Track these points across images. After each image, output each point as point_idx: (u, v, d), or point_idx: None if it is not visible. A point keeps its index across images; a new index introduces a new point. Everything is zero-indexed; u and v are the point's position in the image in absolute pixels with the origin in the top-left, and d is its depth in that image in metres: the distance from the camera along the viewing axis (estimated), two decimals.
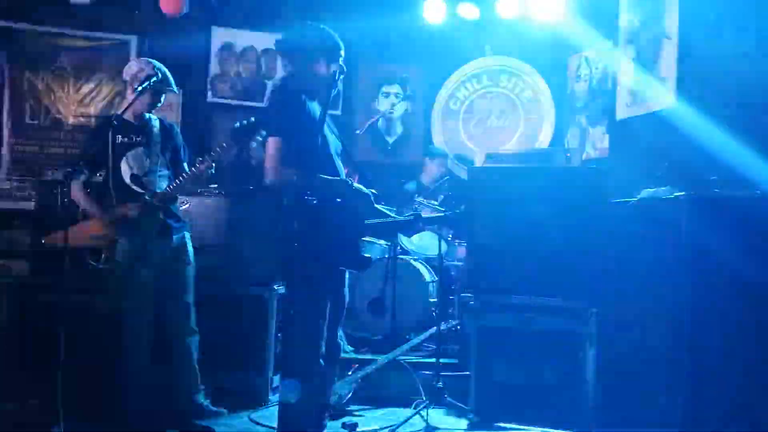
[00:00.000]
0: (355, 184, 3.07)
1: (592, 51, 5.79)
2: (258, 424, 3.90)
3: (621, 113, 4.92)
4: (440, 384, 4.02)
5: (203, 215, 4.34)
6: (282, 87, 3.27)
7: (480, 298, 3.94)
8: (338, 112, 6.18)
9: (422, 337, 4.84)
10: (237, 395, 4.23)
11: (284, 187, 2.87)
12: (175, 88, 3.83)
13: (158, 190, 3.63)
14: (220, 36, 6.36)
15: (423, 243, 5.62)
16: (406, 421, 3.83)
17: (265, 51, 6.39)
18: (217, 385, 4.17)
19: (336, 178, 3.01)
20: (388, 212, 3.27)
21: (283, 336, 3.93)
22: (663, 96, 4.35)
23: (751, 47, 3.71)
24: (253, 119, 3.24)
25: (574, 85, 6.17)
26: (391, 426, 3.77)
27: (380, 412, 4.21)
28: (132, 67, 3.72)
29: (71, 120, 6.09)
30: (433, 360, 4.22)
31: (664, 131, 4.18)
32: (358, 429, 3.75)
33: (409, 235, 5.56)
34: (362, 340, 5.19)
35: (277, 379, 4.31)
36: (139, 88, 3.53)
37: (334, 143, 3.13)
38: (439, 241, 4.45)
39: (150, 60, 3.78)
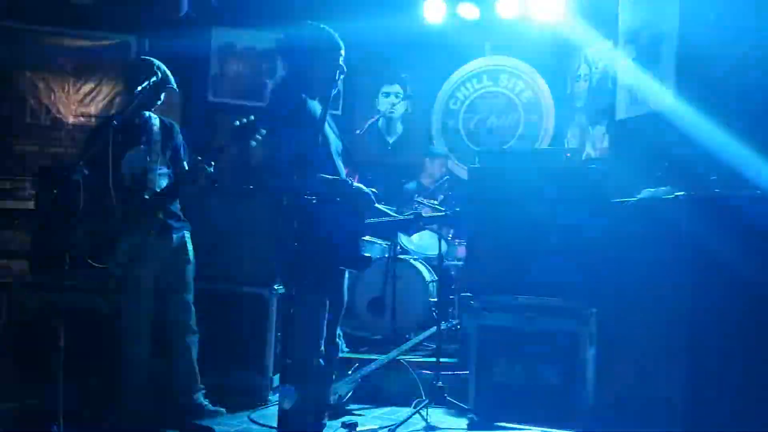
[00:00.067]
0: (356, 184, 3.07)
1: (592, 51, 5.79)
2: (258, 424, 3.90)
3: (621, 113, 4.92)
4: (440, 383, 4.02)
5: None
6: (282, 86, 3.27)
7: (480, 298, 3.94)
8: (338, 112, 6.18)
9: (422, 336, 4.85)
10: (237, 395, 4.23)
11: (284, 187, 2.88)
12: (175, 87, 3.83)
13: (158, 189, 3.64)
14: (220, 36, 6.37)
15: (423, 242, 5.62)
16: (405, 420, 3.83)
17: (265, 51, 6.39)
18: (217, 385, 4.17)
19: (336, 177, 3.01)
20: (388, 211, 3.28)
21: (282, 336, 3.93)
22: (663, 96, 4.35)
23: (751, 47, 3.71)
24: (252, 118, 3.24)
25: (574, 85, 6.17)
26: (390, 425, 3.77)
27: (380, 411, 4.21)
28: (132, 67, 3.72)
29: (71, 120, 6.09)
30: (433, 359, 4.21)
31: (664, 131, 4.18)
32: (357, 428, 3.75)
33: (410, 234, 5.57)
34: (362, 339, 5.19)
35: (277, 379, 4.30)
36: (139, 88, 3.53)
37: (334, 142, 3.13)
38: (439, 241, 4.44)
39: (150, 59, 3.78)
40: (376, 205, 3.12)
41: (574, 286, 3.74)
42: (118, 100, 6.05)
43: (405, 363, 4.46)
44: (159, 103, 3.79)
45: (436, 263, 4.74)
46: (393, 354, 4.48)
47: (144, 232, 3.58)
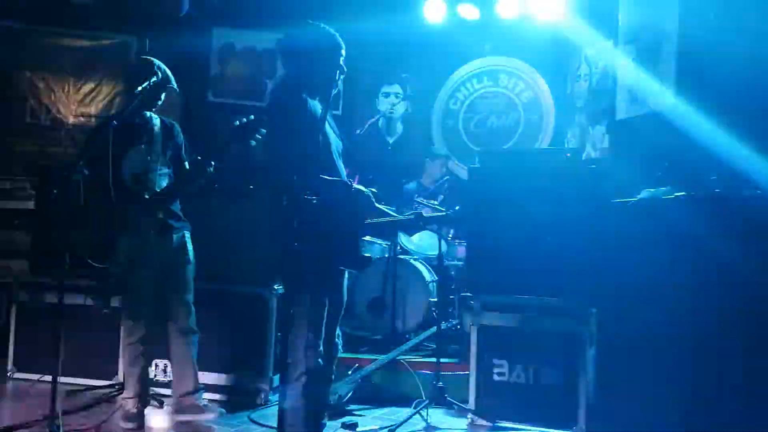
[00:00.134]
0: (355, 185, 3.06)
1: (592, 51, 5.79)
2: (258, 423, 3.90)
3: (621, 113, 4.92)
4: (440, 383, 4.02)
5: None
6: (282, 86, 3.27)
7: (480, 298, 3.94)
8: (338, 112, 6.19)
9: (422, 336, 4.85)
10: (237, 395, 4.24)
11: (284, 187, 2.87)
12: (175, 87, 3.83)
13: (158, 189, 3.63)
14: (220, 36, 6.37)
15: (423, 242, 5.62)
16: (406, 420, 3.83)
17: (265, 51, 6.40)
18: (216, 385, 4.17)
19: (336, 179, 3.01)
20: (389, 211, 3.28)
21: (282, 336, 3.93)
22: (663, 96, 4.35)
23: (751, 47, 3.71)
24: (252, 117, 3.23)
25: (574, 85, 6.17)
26: (390, 425, 3.77)
27: (380, 411, 4.20)
28: (132, 67, 3.72)
29: (71, 120, 6.10)
30: (433, 359, 4.21)
31: (664, 131, 4.18)
32: (358, 429, 3.75)
33: (411, 234, 5.57)
34: (362, 339, 5.19)
35: (277, 379, 4.30)
36: (140, 88, 3.53)
37: (335, 142, 3.13)
38: (439, 241, 4.45)
39: (151, 59, 3.78)
40: (377, 204, 3.11)
41: (574, 286, 3.74)
42: (118, 100, 6.06)
43: (405, 363, 4.46)
44: (159, 103, 3.79)
45: (436, 263, 4.75)
46: (393, 354, 4.49)
47: (144, 232, 3.57)
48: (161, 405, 4.02)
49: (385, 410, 4.22)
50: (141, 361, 3.62)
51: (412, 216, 3.94)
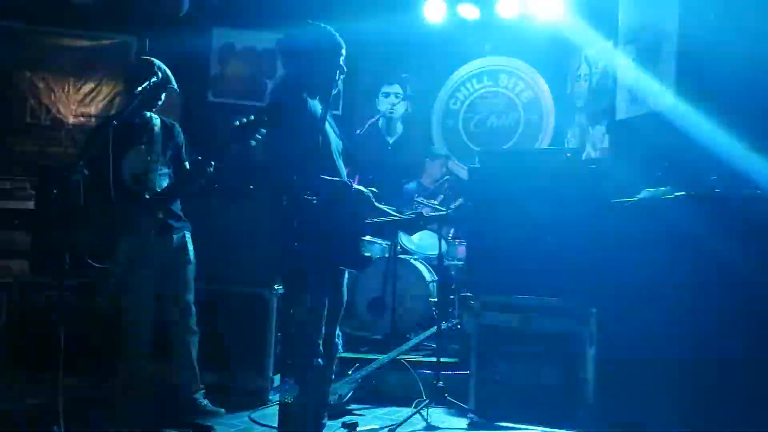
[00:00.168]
0: (356, 185, 3.07)
1: (592, 51, 5.80)
2: (258, 423, 3.90)
3: (621, 113, 4.92)
4: (440, 383, 4.02)
5: None
6: (282, 85, 3.27)
7: (480, 298, 3.94)
8: (338, 112, 6.19)
9: (422, 336, 4.85)
10: (237, 395, 4.23)
11: (284, 187, 2.87)
12: (176, 87, 3.83)
13: (158, 189, 3.64)
14: (220, 36, 6.37)
15: (423, 242, 5.62)
16: (406, 420, 3.83)
17: (265, 51, 6.40)
18: (217, 385, 4.17)
19: (336, 179, 3.01)
20: (389, 211, 3.28)
21: (282, 336, 3.93)
22: (663, 96, 4.35)
23: (751, 47, 3.71)
24: (252, 117, 3.23)
25: (574, 85, 6.17)
26: (391, 425, 3.77)
27: (380, 411, 4.21)
28: (132, 67, 3.72)
29: (71, 120, 6.09)
30: (433, 359, 4.21)
31: (664, 131, 4.18)
32: (358, 428, 3.75)
33: (411, 234, 5.57)
34: (362, 339, 5.19)
35: (277, 379, 4.30)
36: (140, 88, 3.53)
37: (335, 142, 3.13)
38: (440, 241, 4.45)
39: (151, 59, 3.78)
40: (377, 204, 3.11)
41: (574, 286, 3.74)
42: (118, 100, 6.05)
43: (405, 363, 4.46)
44: (160, 103, 3.79)
45: (436, 263, 4.75)
46: (393, 354, 4.48)
47: (144, 232, 3.57)
48: (162, 405, 4.02)
49: (386, 410, 4.22)
50: (141, 361, 3.62)
51: (413, 216, 3.94)
